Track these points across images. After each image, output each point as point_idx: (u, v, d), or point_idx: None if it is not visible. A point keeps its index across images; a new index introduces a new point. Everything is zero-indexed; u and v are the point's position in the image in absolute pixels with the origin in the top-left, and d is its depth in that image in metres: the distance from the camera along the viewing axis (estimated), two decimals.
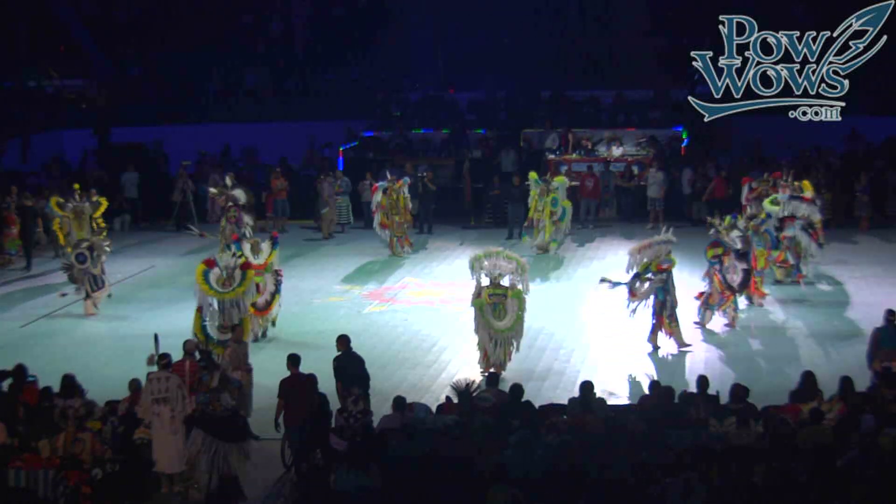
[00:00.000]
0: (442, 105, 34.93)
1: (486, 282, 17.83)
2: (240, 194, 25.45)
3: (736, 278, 19.72)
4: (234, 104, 35.84)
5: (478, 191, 30.39)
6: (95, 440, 13.33)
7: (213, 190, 26.68)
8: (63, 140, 34.43)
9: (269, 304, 19.92)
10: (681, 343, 18.87)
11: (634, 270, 18.99)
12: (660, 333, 18.89)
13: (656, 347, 18.87)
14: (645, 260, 18.90)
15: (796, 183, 23.69)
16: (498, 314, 17.63)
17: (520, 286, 17.86)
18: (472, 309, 17.83)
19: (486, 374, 16.86)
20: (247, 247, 19.99)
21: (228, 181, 25.87)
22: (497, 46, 35.47)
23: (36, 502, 12.93)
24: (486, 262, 17.87)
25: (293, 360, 14.65)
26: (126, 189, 30.66)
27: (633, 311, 19.04)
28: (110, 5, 39.27)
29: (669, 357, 18.63)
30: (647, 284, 18.77)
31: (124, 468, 13.35)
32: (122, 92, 37.09)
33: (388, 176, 26.71)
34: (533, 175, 26.61)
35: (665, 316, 18.71)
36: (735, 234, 20.16)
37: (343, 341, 15.29)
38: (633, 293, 18.93)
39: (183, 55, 36.53)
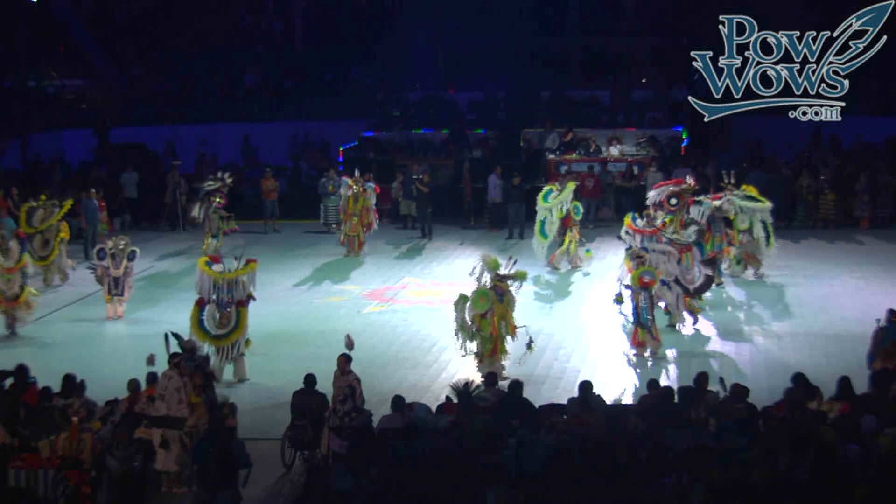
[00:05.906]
0: (442, 105, 34.91)
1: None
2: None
3: (696, 282, 19.63)
4: (234, 104, 35.85)
5: (478, 191, 30.33)
6: (95, 440, 13.32)
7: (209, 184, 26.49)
8: (63, 140, 34.42)
9: (18, 297, 20.36)
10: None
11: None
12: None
13: None
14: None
15: (727, 191, 23.24)
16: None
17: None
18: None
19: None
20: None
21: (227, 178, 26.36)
22: (497, 46, 35.43)
23: (36, 502, 12.92)
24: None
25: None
26: (126, 189, 30.64)
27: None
28: (110, 5, 39.30)
29: (669, 357, 18.63)
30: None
31: None
32: (122, 92, 37.11)
33: (356, 174, 26.58)
34: (550, 186, 25.03)
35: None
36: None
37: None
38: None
39: (183, 55, 36.58)
